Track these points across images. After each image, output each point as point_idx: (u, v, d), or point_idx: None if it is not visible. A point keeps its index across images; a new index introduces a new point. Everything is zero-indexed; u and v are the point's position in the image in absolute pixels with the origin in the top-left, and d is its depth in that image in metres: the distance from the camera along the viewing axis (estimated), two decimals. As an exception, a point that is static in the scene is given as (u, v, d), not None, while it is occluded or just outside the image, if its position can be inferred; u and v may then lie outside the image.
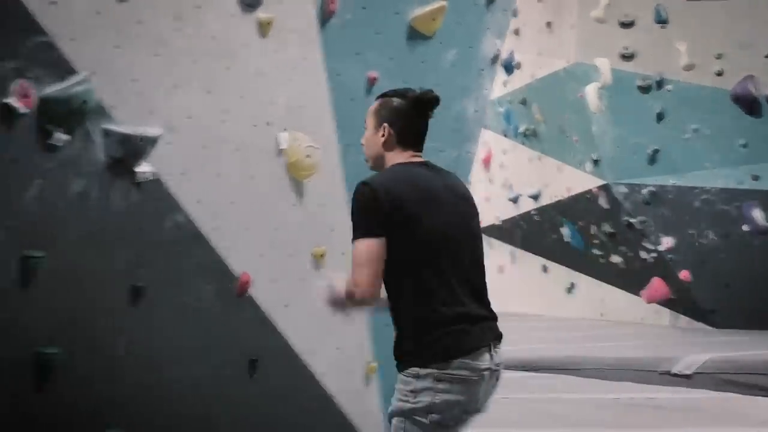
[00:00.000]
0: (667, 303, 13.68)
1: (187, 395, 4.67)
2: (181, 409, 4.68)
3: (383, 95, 3.65)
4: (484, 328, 3.45)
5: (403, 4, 5.52)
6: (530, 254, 14.73)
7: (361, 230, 3.41)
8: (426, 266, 3.41)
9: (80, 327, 4.25)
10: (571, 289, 14.27)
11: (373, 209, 3.42)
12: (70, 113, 4.09)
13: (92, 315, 4.31)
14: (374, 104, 3.63)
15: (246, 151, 4.93)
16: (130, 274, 4.42)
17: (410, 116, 3.63)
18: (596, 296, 14.11)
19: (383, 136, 3.54)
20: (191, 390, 4.68)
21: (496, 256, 15.03)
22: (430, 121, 5.71)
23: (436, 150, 5.88)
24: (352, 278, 3.36)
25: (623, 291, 13.98)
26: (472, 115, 6.09)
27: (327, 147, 5.31)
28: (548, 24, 13.68)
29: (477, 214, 3.66)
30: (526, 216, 14.63)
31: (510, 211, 14.90)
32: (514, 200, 14.71)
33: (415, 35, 5.65)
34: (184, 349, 4.57)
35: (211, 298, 4.67)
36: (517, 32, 13.16)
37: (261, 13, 4.88)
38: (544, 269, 14.59)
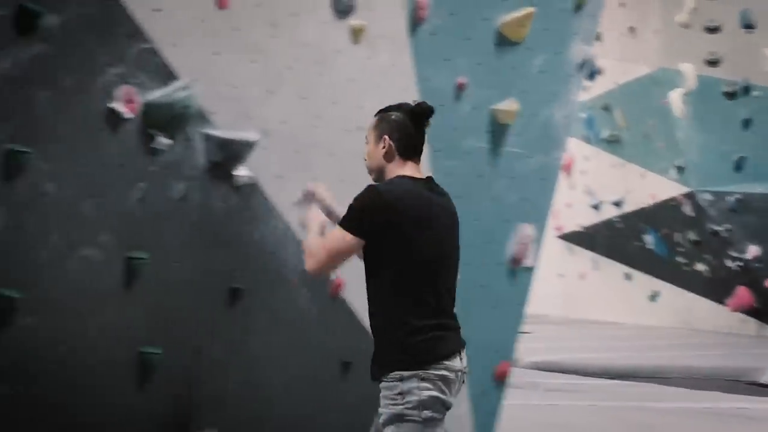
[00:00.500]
0: (753, 312, 13.49)
1: (281, 396, 4.73)
2: (276, 410, 4.73)
3: (382, 111, 3.81)
4: (457, 335, 3.62)
5: (491, 11, 5.52)
6: (612, 261, 14.58)
7: (348, 222, 3.57)
8: (419, 279, 3.57)
9: (180, 328, 4.31)
10: (654, 297, 14.10)
11: (369, 212, 3.57)
12: (172, 118, 4.14)
13: (191, 316, 4.36)
14: (374, 119, 3.79)
15: (338, 155, 4.97)
16: (228, 276, 4.47)
17: (407, 128, 3.74)
18: (680, 305, 13.94)
19: (384, 148, 3.67)
20: (285, 391, 4.73)
21: (577, 262, 14.91)
22: (519, 127, 5.78)
23: (523, 157, 5.93)
24: (311, 250, 3.59)
25: (708, 300, 13.82)
26: (560, 122, 6.08)
27: (416, 152, 5.37)
28: (631, 29, 13.58)
29: (458, 232, 3.80)
30: (608, 223, 14.50)
31: (592, 218, 14.77)
32: (596, 207, 14.56)
33: (503, 41, 5.66)
34: (279, 351, 4.61)
35: (306, 301, 4.73)
36: (598, 37, 13.04)
37: (353, 21, 4.93)
38: (627, 277, 14.43)
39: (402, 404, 3.42)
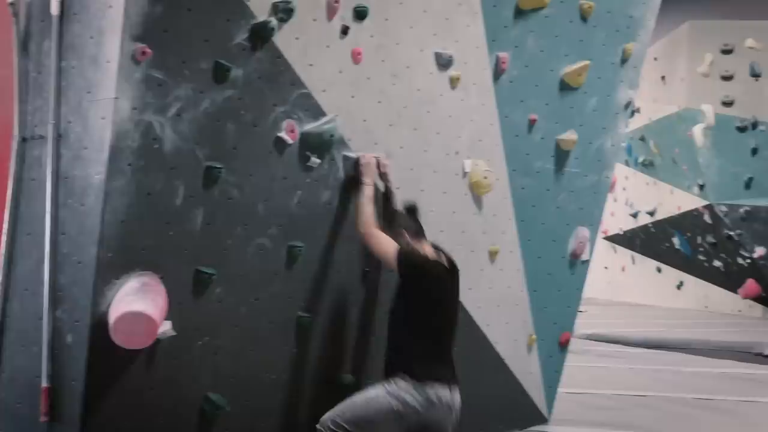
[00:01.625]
0: (759, 299, 13.17)
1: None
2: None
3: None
4: (448, 372, 4.00)
5: (556, 63, 5.51)
6: (647, 258, 14.36)
7: (401, 252, 4.08)
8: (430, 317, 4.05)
9: (326, 299, 4.38)
10: (680, 286, 13.84)
11: (422, 259, 4.10)
12: (321, 143, 4.23)
13: (335, 290, 4.43)
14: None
15: (441, 173, 5.02)
16: (361, 261, 4.54)
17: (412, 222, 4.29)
18: (701, 292, 13.65)
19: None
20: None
21: (619, 258, 14.73)
22: (577, 153, 5.76)
23: (581, 175, 5.91)
24: (365, 221, 4.18)
25: (723, 289, 13.49)
26: (610, 149, 6.02)
27: (498, 171, 5.36)
28: (662, 77, 13.40)
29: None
30: (644, 228, 14.30)
31: (630, 224, 14.58)
32: (634, 215, 14.39)
33: (565, 87, 5.63)
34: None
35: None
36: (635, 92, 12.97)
37: (452, 72, 4.98)
38: (658, 270, 14.19)
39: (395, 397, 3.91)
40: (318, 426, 3.91)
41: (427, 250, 4.23)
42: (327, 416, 3.91)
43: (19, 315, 3.56)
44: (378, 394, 3.92)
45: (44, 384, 3.44)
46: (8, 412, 3.56)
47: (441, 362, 4.05)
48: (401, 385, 3.89)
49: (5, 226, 3.56)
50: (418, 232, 4.33)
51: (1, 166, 3.67)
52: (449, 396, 3.95)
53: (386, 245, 4.14)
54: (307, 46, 4.16)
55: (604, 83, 5.78)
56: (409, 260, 4.12)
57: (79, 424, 3.40)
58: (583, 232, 5.95)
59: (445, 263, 4.23)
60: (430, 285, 4.11)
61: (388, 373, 3.99)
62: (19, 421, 3.52)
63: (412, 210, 4.49)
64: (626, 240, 14.76)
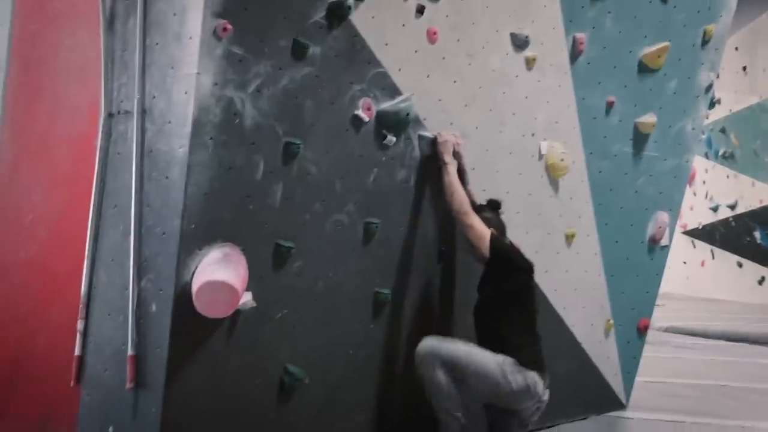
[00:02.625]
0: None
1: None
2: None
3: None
4: (544, 366, 4.29)
5: (634, 45, 5.41)
6: (727, 252, 13.98)
7: (494, 238, 4.28)
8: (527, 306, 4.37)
9: (403, 276, 4.38)
10: (762, 281, 13.41)
11: (511, 250, 4.35)
12: (397, 122, 4.23)
13: (411, 267, 4.41)
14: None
15: (516, 154, 4.98)
16: (436, 240, 4.52)
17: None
18: (783, 287, 13.27)
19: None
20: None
21: (698, 253, 14.37)
22: (656, 136, 5.64)
23: (660, 158, 5.79)
24: (456, 199, 4.27)
25: (805, 284, 13.13)
26: (690, 132, 5.90)
27: (575, 154, 5.30)
28: (744, 68, 13.06)
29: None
30: (724, 222, 13.93)
31: (710, 218, 14.23)
32: (715, 209, 14.03)
33: (644, 69, 5.53)
34: (473, 297, 4.59)
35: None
36: (718, 75, 12.63)
37: (528, 53, 4.94)
38: (739, 265, 13.79)
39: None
40: (417, 351, 4.11)
41: (510, 246, 4.42)
42: (426, 347, 4.10)
43: (105, 285, 3.65)
44: (485, 356, 4.11)
45: (130, 352, 3.51)
46: (95, 380, 3.65)
47: (539, 354, 4.26)
48: (508, 362, 4.09)
49: (92, 199, 3.65)
50: (501, 229, 4.41)
51: (88, 142, 3.76)
52: (542, 388, 4.16)
53: (482, 229, 4.28)
54: (383, 25, 4.17)
55: (685, 65, 5.66)
56: (501, 249, 4.30)
57: (163, 391, 3.46)
58: (663, 216, 5.83)
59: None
60: (522, 277, 4.32)
61: (490, 347, 4.18)
62: (106, 388, 3.61)
63: (495, 206, 4.52)
64: (706, 234, 14.39)
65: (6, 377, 4.24)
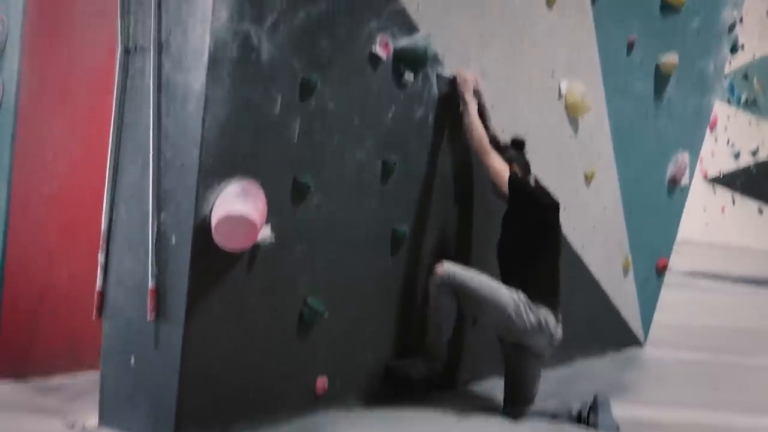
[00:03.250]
0: None
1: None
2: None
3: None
4: (558, 304, 4.27)
5: (657, -18, 5.34)
6: (748, 199, 13.84)
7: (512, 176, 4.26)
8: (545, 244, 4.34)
9: (420, 212, 4.35)
10: (782, 228, 13.34)
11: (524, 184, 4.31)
12: (415, 60, 4.15)
13: (427, 204, 4.38)
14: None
15: (537, 91, 4.91)
16: (452, 177, 4.48)
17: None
18: (803, 234, 13.15)
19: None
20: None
21: (718, 199, 14.23)
22: (679, 74, 5.54)
23: (682, 98, 5.70)
24: (478, 138, 4.24)
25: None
26: (712, 72, 5.82)
27: (595, 93, 5.24)
28: (767, 13, 12.80)
29: None
30: (745, 169, 13.78)
31: (731, 165, 14.06)
32: (736, 156, 13.85)
33: (666, 7, 5.44)
34: (491, 235, 4.58)
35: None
36: (741, 20, 12.33)
37: (548, -10, 4.84)
38: (760, 211, 13.67)
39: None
40: (435, 271, 4.20)
41: (534, 184, 4.43)
42: (446, 269, 4.17)
43: (125, 220, 3.65)
44: (501, 289, 4.15)
45: (150, 285, 3.52)
46: (117, 313, 3.67)
47: (554, 292, 4.26)
48: (521, 298, 4.10)
49: (111, 134, 3.64)
50: (525, 167, 4.40)
51: (107, 77, 3.74)
52: (554, 325, 4.17)
53: (501, 167, 4.28)
54: (401, -40, 4.08)
55: (708, 3, 5.57)
56: (520, 186, 4.29)
57: (184, 323, 3.47)
58: (683, 157, 5.78)
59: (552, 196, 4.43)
60: (545, 214, 4.31)
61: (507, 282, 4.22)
62: (128, 320, 3.63)
63: (519, 145, 4.48)
64: (727, 181, 14.23)
65: (32, 310, 4.29)
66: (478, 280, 4.16)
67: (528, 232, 4.26)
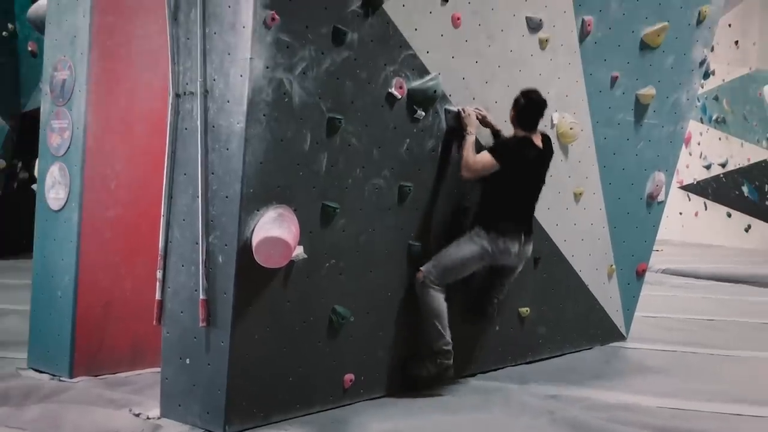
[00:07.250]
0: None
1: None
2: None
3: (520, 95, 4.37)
4: (520, 229, 4.29)
5: (636, 25, 5.24)
6: (718, 204, 13.67)
7: (496, 152, 4.19)
8: (513, 190, 4.26)
9: (431, 229, 4.32)
10: (747, 229, 13.12)
11: (513, 150, 4.21)
12: (426, 98, 4.12)
13: (439, 222, 4.35)
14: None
15: (531, 124, 4.86)
16: (459, 198, 4.44)
17: (525, 108, 4.32)
18: (766, 235, 12.95)
19: (512, 116, 4.32)
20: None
21: (693, 205, 14.08)
22: (655, 106, 5.46)
23: (658, 126, 5.61)
24: (469, 162, 4.17)
25: (786, 231, 12.78)
26: (685, 102, 5.72)
27: (583, 123, 5.17)
28: (736, 42, 12.62)
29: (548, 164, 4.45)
30: (716, 178, 13.62)
31: (703, 174, 13.92)
32: (708, 167, 13.70)
33: (645, 46, 5.36)
34: None
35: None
36: (712, 49, 12.21)
37: (541, 34, 4.79)
38: (728, 215, 13.50)
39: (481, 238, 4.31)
40: (419, 270, 4.16)
41: (534, 138, 4.37)
42: (423, 270, 4.17)
43: (179, 240, 3.64)
44: (463, 241, 4.25)
45: (201, 296, 3.51)
46: (174, 320, 3.67)
47: (515, 222, 4.31)
48: (481, 234, 4.23)
49: (165, 167, 3.63)
50: (528, 126, 4.38)
51: (161, 119, 3.73)
52: (518, 248, 4.30)
53: (485, 157, 4.23)
54: (412, 13, 4.05)
55: (681, 43, 5.46)
56: (503, 148, 4.29)
57: (230, 329, 3.46)
58: (660, 176, 5.69)
59: (540, 145, 4.39)
60: (522, 163, 4.29)
61: (471, 227, 4.32)
62: (183, 327, 3.62)
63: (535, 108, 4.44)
64: (699, 188, 14.07)
65: (100, 317, 4.30)
66: (447, 256, 4.20)
67: (504, 180, 4.24)
